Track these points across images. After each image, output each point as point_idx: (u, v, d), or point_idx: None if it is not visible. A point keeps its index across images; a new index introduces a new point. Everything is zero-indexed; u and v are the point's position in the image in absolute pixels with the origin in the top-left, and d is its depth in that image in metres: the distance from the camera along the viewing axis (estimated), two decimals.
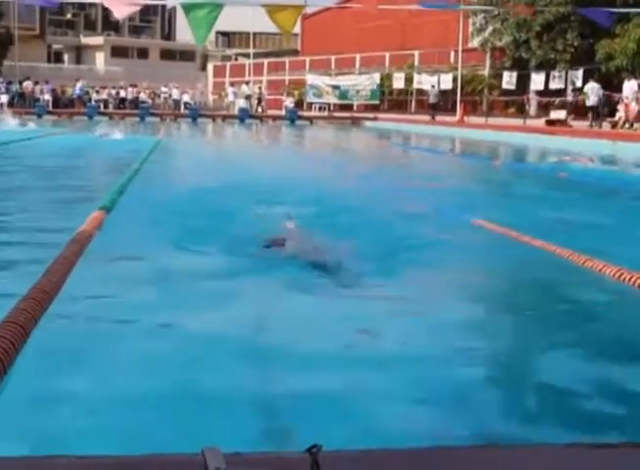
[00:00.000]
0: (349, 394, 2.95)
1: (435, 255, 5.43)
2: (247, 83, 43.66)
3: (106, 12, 45.71)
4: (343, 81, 43.84)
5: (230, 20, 45.86)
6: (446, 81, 37.18)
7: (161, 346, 3.46)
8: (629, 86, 25.92)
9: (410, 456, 1.80)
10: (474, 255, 5.69)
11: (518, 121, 30.95)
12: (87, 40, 61.15)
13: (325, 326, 3.84)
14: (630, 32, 26.68)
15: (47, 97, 40.88)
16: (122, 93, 44.38)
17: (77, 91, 42.85)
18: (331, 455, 1.62)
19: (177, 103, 43.99)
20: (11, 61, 45.24)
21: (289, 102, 41.84)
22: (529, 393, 3.15)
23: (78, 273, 4.48)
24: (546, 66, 31.72)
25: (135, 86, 45.29)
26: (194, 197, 8.18)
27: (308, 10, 39.12)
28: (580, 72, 30.08)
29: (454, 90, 35.30)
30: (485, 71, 37.04)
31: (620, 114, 26.37)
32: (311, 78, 44.93)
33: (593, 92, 27.10)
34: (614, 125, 26.44)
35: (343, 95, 43.47)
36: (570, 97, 29.47)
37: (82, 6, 58.24)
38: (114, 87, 44.67)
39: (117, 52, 59.60)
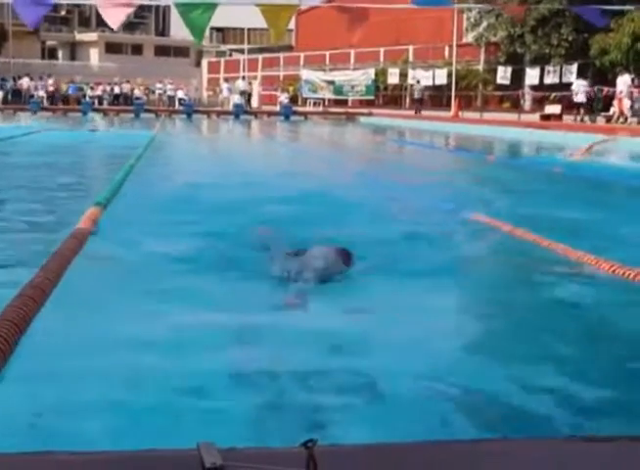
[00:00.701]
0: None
1: (429, 248, 5.44)
2: (243, 78, 43.59)
3: None
4: (339, 77, 43.82)
5: (224, 15, 45.75)
6: (441, 76, 37.20)
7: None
8: (623, 81, 26.00)
9: (406, 450, 1.81)
10: (468, 248, 5.68)
11: (512, 116, 30.98)
12: (81, 36, 61.03)
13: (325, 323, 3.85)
14: (625, 27, 26.68)
15: (41, 93, 40.80)
16: (117, 89, 44.31)
17: (71, 91, 42.85)
18: (326, 450, 1.63)
19: (172, 99, 43.90)
20: (5, 57, 45.11)
21: (283, 97, 41.81)
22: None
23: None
24: (541, 60, 31.72)
25: (129, 82, 45.22)
26: (185, 195, 8.18)
27: (302, 6, 39.02)
28: (575, 67, 30.12)
29: (449, 85, 35.30)
30: (480, 66, 37.04)
31: (615, 108, 26.45)
32: (306, 74, 44.89)
33: (580, 89, 27.49)
34: (608, 120, 26.51)
35: (338, 90, 43.45)
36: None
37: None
38: (108, 83, 44.59)
39: (112, 48, 59.44)
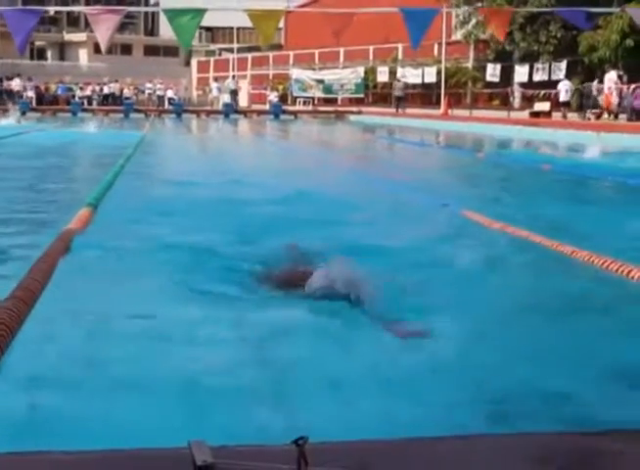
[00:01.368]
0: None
1: (420, 244, 5.46)
2: (233, 77, 43.52)
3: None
4: (328, 75, 43.82)
5: (214, 15, 45.68)
6: (430, 74, 37.23)
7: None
8: (609, 77, 26.11)
9: (395, 447, 1.82)
10: (458, 244, 5.69)
11: (502, 114, 31.03)
12: (70, 36, 60.77)
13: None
14: (613, 24, 26.73)
15: (30, 94, 40.65)
16: (106, 89, 44.19)
17: (60, 92, 42.73)
18: (317, 447, 1.64)
19: (161, 99, 43.83)
20: None
21: (273, 96, 41.78)
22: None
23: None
24: (529, 58, 31.79)
25: (118, 82, 45.10)
26: (174, 194, 8.18)
27: (291, 6, 39.06)
28: (564, 64, 30.22)
29: (438, 83, 35.31)
30: (469, 64, 37.07)
31: (602, 104, 26.57)
32: (296, 73, 44.88)
33: (564, 89, 28.03)
34: (597, 117, 26.60)
35: (328, 89, 43.46)
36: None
37: (65, 2, 57.80)
38: (97, 84, 44.47)
39: (101, 48, 59.12)
